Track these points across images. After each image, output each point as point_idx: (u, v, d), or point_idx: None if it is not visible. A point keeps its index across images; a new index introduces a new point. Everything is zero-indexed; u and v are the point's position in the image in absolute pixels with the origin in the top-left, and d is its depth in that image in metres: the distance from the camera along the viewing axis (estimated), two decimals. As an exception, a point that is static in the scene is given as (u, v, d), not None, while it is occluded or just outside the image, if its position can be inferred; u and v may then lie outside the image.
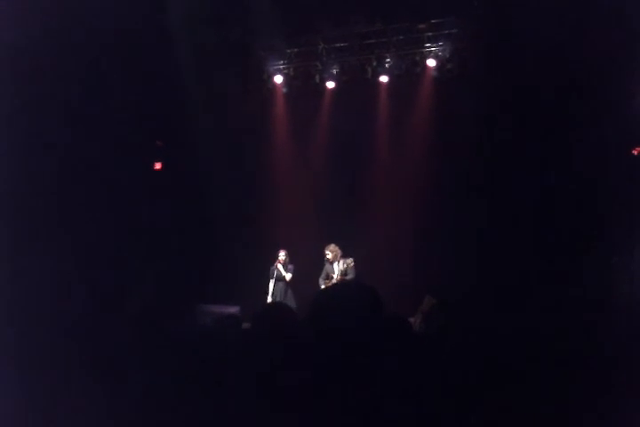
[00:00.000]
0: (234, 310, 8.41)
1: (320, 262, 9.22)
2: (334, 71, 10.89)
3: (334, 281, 8.72)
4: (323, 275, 9.01)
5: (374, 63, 10.64)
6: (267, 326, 2.61)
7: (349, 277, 8.75)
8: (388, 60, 10.53)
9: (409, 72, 10.59)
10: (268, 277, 9.10)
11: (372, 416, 1.95)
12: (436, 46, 10.24)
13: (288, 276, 9.03)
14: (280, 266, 9.03)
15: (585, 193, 8.28)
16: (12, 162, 6.73)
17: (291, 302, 8.77)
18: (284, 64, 11.14)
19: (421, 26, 10.19)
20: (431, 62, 10.30)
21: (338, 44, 10.72)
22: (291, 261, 9.18)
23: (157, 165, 10.76)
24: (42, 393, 2.86)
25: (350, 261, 8.77)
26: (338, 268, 8.87)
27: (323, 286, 8.74)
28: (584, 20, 7.77)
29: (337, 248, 8.96)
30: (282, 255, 9.10)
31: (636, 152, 8.36)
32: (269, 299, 8.87)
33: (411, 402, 2.01)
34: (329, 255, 8.95)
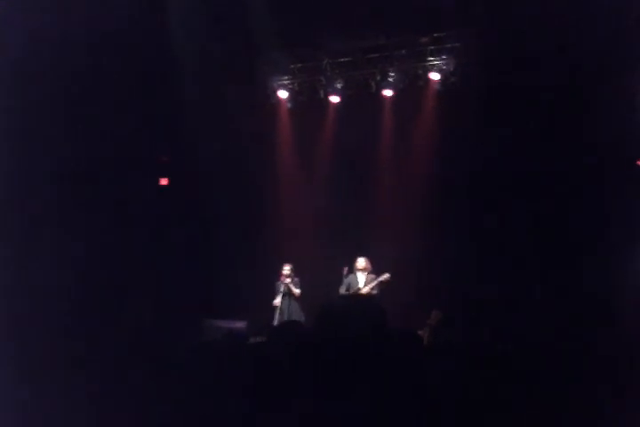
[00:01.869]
0: (240, 324, 8.39)
1: (326, 274, 9.21)
2: (338, 86, 10.95)
3: (359, 292, 8.73)
4: (344, 286, 8.98)
5: (378, 77, 10.69)
6: (279, 344, 2.61)
7: (375, 292, 8.76)
8: (392, 74, 10.57)
9: (412, 86, 10.63)
10: (274, 291, 9.08)
11: (375, 423, 1.95)
12: (440, 60, 10.28)
13: (297, 291, 9.01)
14: (288, 280, 9.01)
15: (588, 199, 8.28)
16: (12, 167, 6.76)
17: (298, 315, 8.75)
18: (288, 79, 11.21)
19: (424, 40, 10.24)
20: (435, 76, 10.34)
21: (341, 59, 10.78)
22: (296, 275, 9.16)
23: (163, 181, 10.80)
24: (41, 395, 2.87)
25: (387, 276, 8.79)
26: (364, 280, 8.87)
27: None
28: (587, 32, 7.81)
29: (367, 262, 9.00)
30: (287, 270, 9.09)
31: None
32: (277, 314, 8.84)
33: (416, 413, 2.01)
34: (359, 266, 8.95)
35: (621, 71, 8.02)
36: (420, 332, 7.71)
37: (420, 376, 2.10)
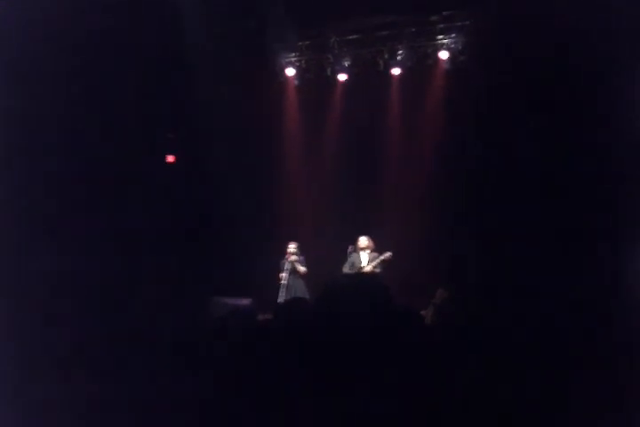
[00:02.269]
0: (246, 302, 8.45)
1: (333, 253, 9.25)
2: (346, 64, 10.88)
3: (362, 271, 8.76)
4: (347, 265, 9.01)
5: (386, 55, 10.62)
6: (286, 321, 2.64)
7: (378, 270, 8.80)
8: (400, 52, 10.50)
9: (421, 64, 10.56)
10: (279, 269, 9.12)
11: (377, 404, 1.97)
12: (449, 38, 10.20)
13: (302, 269, 9.05)
14: (293, 258, 9.05)
15: (596, 189, 8.24)
16: (18, 159, 6.77)
17: (303, 293, 8.80)
18: (295, 57, 11.14)
19: (433, 18, 10.15)
20: (443, 55, 10.26)
21: (349, 37, 10.69)
22: (301, 253, 9.20)
23: (170, 158, 10.79)
24: (43, 393, 2.90)
25: (389, 255, 8.80)
26: (367, 259, 8.90)
27: None
28: (601, 10, 7.69)
29: (370, 241, 9.00)
30: (292, 248, 9.13)
31: None
32: (282, 291, 8.89)
33: (416, 391, 2.03)
34: (362, 245, 8.97)
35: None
36: (423, 311, 7.76)
37: (417, 357, 2.12)
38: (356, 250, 9.03)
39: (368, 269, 8.81)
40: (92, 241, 7.46)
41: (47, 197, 6.98)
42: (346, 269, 8.97)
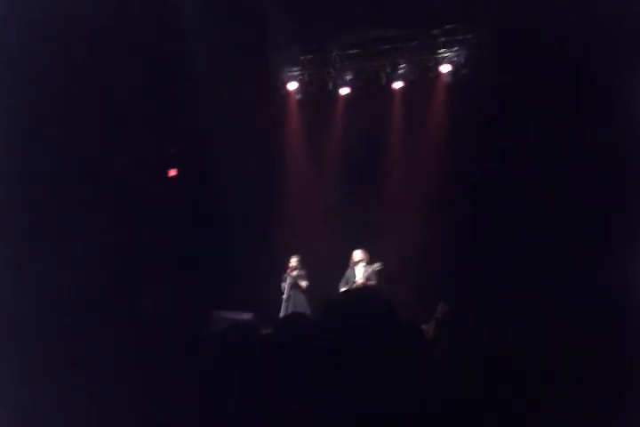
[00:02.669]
0: (247, 316, 8.39)
1: (334, 266, 9.20)
2: (348, 78, 10.92)
3: (356, 285, 8.71)
4: (343, 280, 8.98)
5: (388, 69, 10.65)
6: (287, 337, 2.61)
7: (372, 282, 8.73)
8: (402, 65, 10.53)
9: (423, 78, 10.59)
10: (281, 283, 9.07)
11: (379, 418, 1.94)
12: (451, 52, 10.24)
13: (304, 283, 9.00)
14: (295, 273, 9.01)
15: (592, 199, 8.21)
16: (19, 165, 6.76)
17: (304, 308, 8.74)
18: (297, 71, 11.18)
19: (435, 31, 10.19)
20: (445, 68, 10.29)
21: (351, 51, 10.73)
22: (303, 267, 9.16)
23: (172, 172, 10.79)
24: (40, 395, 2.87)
25: (378, 265, 8.74)
26: (361, 272, 8.84)
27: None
28: (602, 23, 7.71)
29: (364, 253, 8.94)
30: (293, 261, 9.09)
31: None
32: (283, 306, 8.84)
33: (417, 405, 2.00)
34: (354, 260, 8.93)
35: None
36: (425, 326, 7.69)
37: (418, 373, 2.08)
38: (352, 265, 8.98)
39: (361, 281, 8.74)
40: (91, 254, 7.42)
41: (46, 213, 6.95)
42: (342, 284, 8.94)
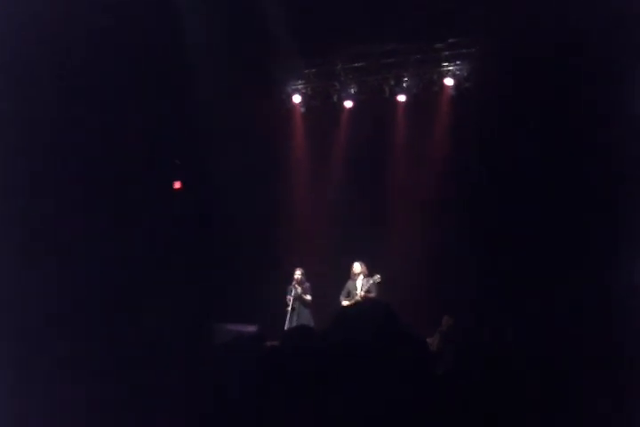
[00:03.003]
0: (252, 328, 8.39)
1: (337, 279, 9.21)
2: (352, 91, 10.97)
3: (357, 298, 8.74)
4: (344, 292, 8.99)
5: (392, 82, 10.71)
6: (293, 349, 2.61)
7: (372, 294, 8.75)
8: (406, 79, 10.59)
9: (427, 91, 10.64)
10: (285, 295, 9.06)
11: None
12: (454, 65, 10.29)
13: (308, 298, 9.00)
14: (300, 290, 8.99)
15: (592, 200, 8.22)
16: (24, 172, 6.80)
17: (308, 320, 8.73)
18: (302, 84, 11.24)
19: (439, 45, 10.25)
20: (449, 81, 10.34)
21: (355, 64, 10.80)
22: (307, 279, 9.16)
23: (177, 184, 10.83)
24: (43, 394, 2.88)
25: (377, 278, 8.77)
26: (361, 285, 8.85)
27: (344, 303, 8.72)
28: (604, 38, 7.76)
29: (363, 266, 8.97)
30: (298, 274, 9.09)
31: None
32: (288, 318, 8.83)
33: (422, 418, 2.01)
34: (354, 272, 8.94)
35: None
36: (429, 339, 7.69)
37: (423, 386, 2.09)
38: (352, 276, 9.00)
39: (361, 294, 8.76)
40: (96, 267, 7.45)
41: (45, 223, 6.99)
42: (342, 296, 8.96)
